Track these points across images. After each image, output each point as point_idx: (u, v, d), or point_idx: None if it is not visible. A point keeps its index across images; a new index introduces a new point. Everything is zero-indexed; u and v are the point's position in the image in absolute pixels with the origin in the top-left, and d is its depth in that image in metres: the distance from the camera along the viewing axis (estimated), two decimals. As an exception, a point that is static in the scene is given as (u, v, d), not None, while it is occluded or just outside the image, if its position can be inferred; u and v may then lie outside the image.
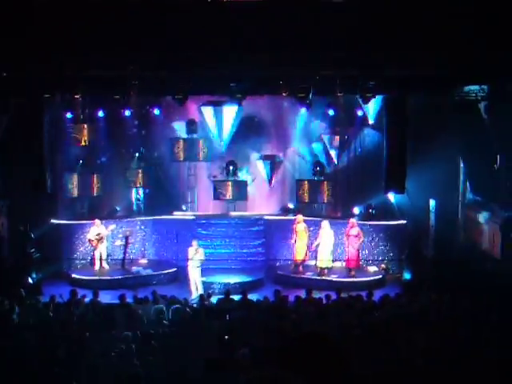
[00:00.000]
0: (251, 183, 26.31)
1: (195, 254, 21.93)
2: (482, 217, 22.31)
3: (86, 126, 24.85)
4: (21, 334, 13.79)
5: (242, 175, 26.15)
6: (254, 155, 26.38)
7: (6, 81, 19.26)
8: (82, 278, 23.36)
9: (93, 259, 24.41)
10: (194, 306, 17.83)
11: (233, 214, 25.83)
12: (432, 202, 24.00)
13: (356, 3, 18.33)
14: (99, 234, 24.04)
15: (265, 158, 26.32)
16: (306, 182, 25.55)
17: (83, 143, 25.03)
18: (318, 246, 23.52)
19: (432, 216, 24.07)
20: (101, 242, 24.13)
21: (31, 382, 11.27)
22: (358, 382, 4.13)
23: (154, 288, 19.40)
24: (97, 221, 24.26)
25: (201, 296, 18.83)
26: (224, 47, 18.20)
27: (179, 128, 26.39)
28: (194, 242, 22.34)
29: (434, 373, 11.33)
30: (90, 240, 24.24)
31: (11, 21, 17.75)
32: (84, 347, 12.89)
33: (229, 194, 25.77)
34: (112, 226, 24.37)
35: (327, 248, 23.50)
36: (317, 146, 25.97)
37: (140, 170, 26.09)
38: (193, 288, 21.84)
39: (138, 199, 26.76)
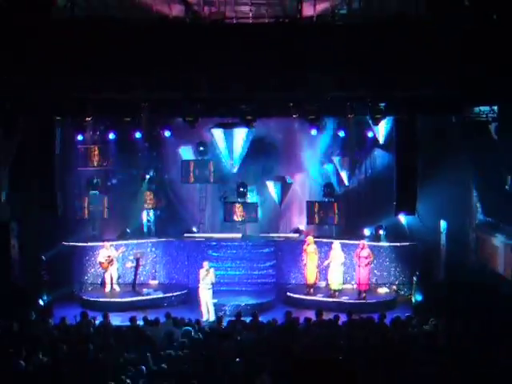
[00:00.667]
0: (260, 205, 26.34)
1: (206, 276, 21.91)
2: (495, 238, 22.20)
3: (96, 148, 24.95)
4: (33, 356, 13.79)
5: (253, 197, 26.14)
6: (265, 177, 26.40)
7: (17, 103, 19.34)
8: (93, 300, 23.35)
9: (103, 281, 24.42)
10: (206, 328, 17.77)
11: (243, 235, 25.79)
12: (443, 224, 23.92)
13: (367, 25, 18.36)
14: (109, 256, 24.07)
15: (275, 179, 26.33)
16: (317, 204, 25.54)
17: (94, 165, 25.11)
18: (327, 265, 23.51)
19: (443, 237, 23.98)
20: (111, 265, 24.16)
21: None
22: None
23: (167, 310, 19.32)
24: (106, 243, 24.30)
25: (218, 318, 18.74)
26: (233, 69, 18.26)
27: (189, 150, 26.47)
28: (205, 264, 22.32)
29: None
30: (100, 262, 24.26)
31: (22, 42, 17.85)
32: (94, 369, 12.86)
33: (239, 216, 25.78)
34: (122, 249, 24.39)
35: (338, 269, 23.47)
36: (327, 168, 25.98)
37: (151, 192, 26.15)
38: (204, 309, 21.80)
39: (148, 221, 26.81)
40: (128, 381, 12.00)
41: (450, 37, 17.67)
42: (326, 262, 23.57)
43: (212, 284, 21.91)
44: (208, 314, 21.47)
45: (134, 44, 17.99)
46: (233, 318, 18.61)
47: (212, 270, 22.18)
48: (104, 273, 24.37)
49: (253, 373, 12.13)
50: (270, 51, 17.95)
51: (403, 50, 17.84)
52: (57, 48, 17.80)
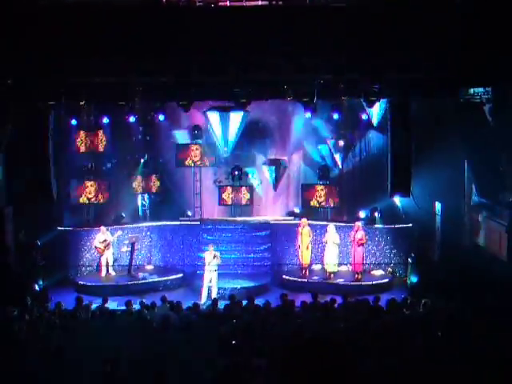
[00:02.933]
0: (258, 187, 26.35)
1: (213, 259, 22.04)
2: (488, 219, 22.27)
3: (90, 132, 24.90)
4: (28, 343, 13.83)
5: (247, 180, 26.15)
6: (259, 160, 26.40)
7: (9, 88, 19.28)
8: (89, 284, 23.39)
9: (99, 266, 24.45)
10: (203, 310, 17.82)
11: (238, 218, 25.80)
12: (438, 205, 23.97)
13: (358, 7, 18.33)
14: (105, 240, 24.10)
15: (270, 162, 26.32)
16: (312, 186, 25.56)
17: (88, 150, 25.07)
18: (323, 245, 23.68)
19: (438, 219, 24.04)
20: (107, 249, 24.19)
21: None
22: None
23: (163, 293, 19.36)
24: (102, 227, 24.31)
25: (213, 301, 18.81)
26: (228, 52, 18.23)
27: (184, 134, 26.45)
28: (211, 247, 22.42)
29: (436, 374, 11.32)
30: (96, 247, 24.29)
31: (13, 27, 17.79)
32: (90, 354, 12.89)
33: (233, 199, 25.81)
34: (118, 233, 24.41)
35: (333, 252, 23.55)
36: (322, 150, 25.98)
37: (145, 176, 26.14)
38: (204, 292, 21.89)
39: (143, 205, 26.80)
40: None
41: (443, 19, 17.66)
42: (324, 239, 23.67)
43: (217, 266, 22.09)
44: (207, 297, 21.53)
45: (126, 28, 17.94)
46: (228, 302, 18.66)
47: (218, 252, 22.30)
48: (100, 257, 24.39)
49: (248, 356, 12.17)
50: (264, 34, 17.92)
51: (397, 33, 17.83)
52: (48, 33, 17.75)
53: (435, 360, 12.47)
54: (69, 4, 18.77)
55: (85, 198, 25.23)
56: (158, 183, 26.46)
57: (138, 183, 26.16)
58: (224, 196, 25.93)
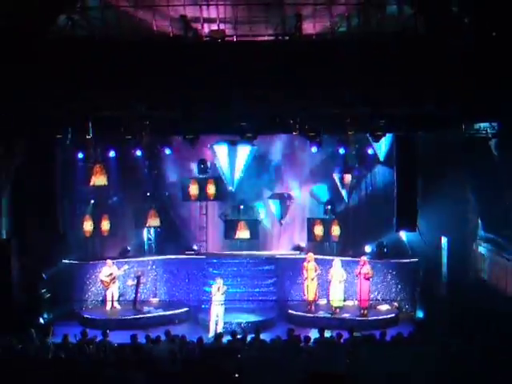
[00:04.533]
0: (264, 221, 26.33)
1: (218, 291, 22.03)
2: (494, 253, 22.19)
3: (97, 166, 24.94)
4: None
5: (253, 214, 26.10)
6: (265, 194, 26.39)
7: (17, 121, 19.36)
8: (94, 318, 23.32)
9: (104, 299, 24.40)
10: (208, 345, 17.75)
11: (244, 253, 25.75)
12: (444, 240, 23.92)
13: (364, 43, 18.44)
14: (111, 274, 24.09)
15: (276, 196, 26.31)
16: (318, 221, 25.53)
17: (94, 183, 25.09)
18: (328, 282, 23.60)
19: (444, 253, 23.96)
20: (113, 282, 24.18)
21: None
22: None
23: (167, 328, 19.28)
24: (108, 261, 24.31)
25: (216, 335, 18.77)
26: (234, 87, 18.31)
27: (190, 168, 26.45)
28: (219, 280, 22.41)
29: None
30: (101, 280, 24.26)
31: (21, 61, 17.91)
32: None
33: (240, 234, 25.76)
34: (125, 267, 24.40)
35: (339, 286, 23.49)
36: (328, 185, 25.96)
37: (151, 210, 26.13)
38: (212, 326, 21.84)
39: (149, 239, 26.78)
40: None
41: (449, 54, 17.74)
42: (330, 274, 23.61)
43: (224, 300, 22.08)
44: (215, 330, 21.44)
45: (133, 62, 18.06)
46: (232, 337, 18.59)
47: (225, 286, 22.29)
48: (105, 291, 24.35)
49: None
50: (270, 69, 18.00)
51: (403, 67, 17.90)
52: (56, 67, 17.85)
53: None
54: (77, 38, 18.92)
55: (90, 232, 25.20)
56: (163, 217, 26.37)
57: (143, 217, 26.12)
58: (230, 230, 25.83)
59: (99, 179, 25.01)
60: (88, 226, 25.12)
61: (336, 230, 25.22)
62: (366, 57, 17.98)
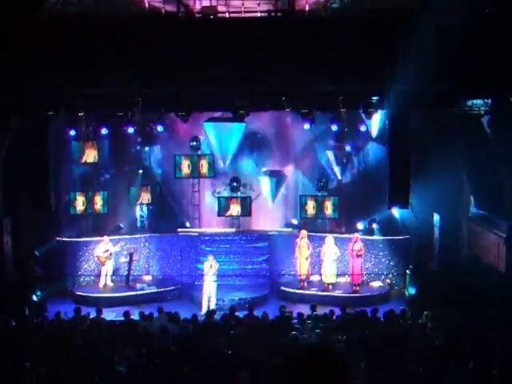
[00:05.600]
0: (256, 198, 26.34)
1: (210, 268, 22.07)
2: (486, 230, 22.26)
3: (89, 143, 24.88)
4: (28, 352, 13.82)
5: (246, 191, 26.11)
6: (258, 171, 26.38)
7: (8, 98, 19.28)
8: (87, 295, 23.37)
9: (98, 276, 24.43)
10: (201, 321, 17.82)
11: (237, 230, 25.79)
12: (436, 217, 23.98)
13: (357, 19, 18.38)
14: (107, 250, 24.11)
15: (268, 173, 26.31)
16: (310, 198, 25.55)
17: (87, 160, 25.04)
18: (321, 259, 23.68)
19: (436, 230, 24.04)
20: (108, 259, 24.20)
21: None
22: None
23: (160, 305, 19.35)
24: (105, 237, 24.36)
25: (208, 312, 18.87)
26: (226, 64, 18.25)
27: (183, 145, 26.39)
28: (210, 257, 22.47)
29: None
30: (97, 256, 24.30)
31: (13, 39, 17.80)
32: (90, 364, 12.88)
33: (233, 210, 25.76)
34: (121, 244, 24.43)
35: (331, 263, 23.55)
36: (320, 161, 25.95)
37: (144, 187, 26.11)
38: (204, 303, 21.90)
39: (142, 216, 26.78)
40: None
41: (442, 31, 17.68)
42: (322, 251, 23.70)
43: (216, 277, 22.11)
44: (208, 307, 21.51)
45: (125, 39, 17.96)
46: (226, 312, 18.68)
47: (217, 263, 22.34)
48: (100, 267, 24.39)
49: (241, 367, 12.18)
50: (262, 46, 17.94)
51: (395, 44, 17.84)
52: (48, 45, 17.75)
53: (435, 373, 12.48)
54: (68, 16, 18.83)
55: (83, 209, 25.18)
56: (155, 194, 26.36)
57: (137, 194, 26.12)
58: (223, 207, 25.84)
59: (91, 156, 24.94)
60: (80, 203, 25.08)
61: (329, 207, 25.22)
62: (358, 33, 17.90)
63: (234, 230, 25.81)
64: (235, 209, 25.66)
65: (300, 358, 4.17)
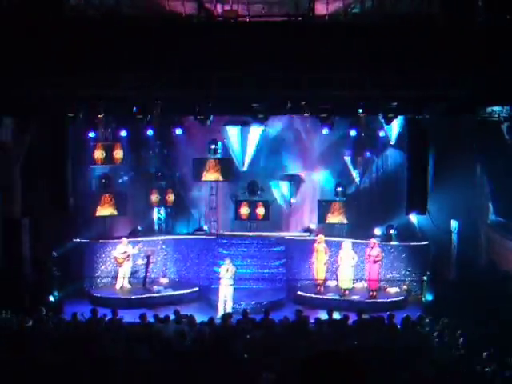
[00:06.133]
0: (275, 200, 26.33)
1: (227, 272, 22.07)
2: (504, 238, 22.16)
3: (108, 145, 24.97)
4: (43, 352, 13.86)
5: (264, 195, 26.09)
6: (276, 175, 26.38)
7: (27, 99, 19.38)
8: (103, 296, 23.42)
9: (116, 277, 24.47)
10: (218, 325, 17.82)
11: (254, 233, 25.76)
12: (454, 223, 23.89)
13: (378, 25, 18.34)
14: (125, 252, 24.15)
15: (287, 177, 26.31)
16: (328, 203, 25.52)
17: (105, 162, 25.12)
18: (338, 264, 23.64)
19: (454, 237, 23.95)
20: (126, 260, 24.23)
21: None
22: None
23: (177, 307, 19.35)
24: (124, 239, 24.39)
25: (223, 316, 18.88)
26: (247, 67, 18.26)
27: (201, 148, 26.42)
28: (227, 260, 22.46)
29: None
30: (115, 257, 24.34)
31: (34, 41, 17.89)
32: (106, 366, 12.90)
33: (250, 214, 25.75)
34: (139, 246, 24.47)
35: (348, 268, 23.50)
36: (339, 167, 25.93)
37: (162, 190, 26.16)
38: (220, 307, 21.90)
39: (159, 219, 26.84)
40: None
41: (462, 36, 17.63)
42: (339, 256, 23.65)
43: (233, 281, 22.13)
44: (224, 310, 21.51)
45: (146, 42, 18.00)
46: (242, 316, 18.68)
47: (233, 266, 22.33)
48: (118, 268, 24.44)
49: (258, 371, 12.17)
50: (283, 50, 17.94)
51: (416, 50, 17.80)
52: (70, 46, 17.81)
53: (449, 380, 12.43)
54: (90, 18, 18.90)
55: (101, 211, 25.27)
56: (173, 197, 26.44)
57: (155, 197, 26.21)
58: (241, 211, 25.86)
59: (109, 158, 25.02)
60: (98, 204, 25.15)
61: (345, 213, 25.18)
62: (379, 39, 17.88)
63: (251, 233, 25.78)
64: (253, 212, 25.63)
65: (317, 363, 4.17)
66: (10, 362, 13.04)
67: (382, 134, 24.01)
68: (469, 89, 18.55)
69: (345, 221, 25.43)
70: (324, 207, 25.51)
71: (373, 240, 23.69)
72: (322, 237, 24.10)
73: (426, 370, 12.74)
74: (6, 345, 14.52)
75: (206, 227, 26.61)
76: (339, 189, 25.41)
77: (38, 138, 21.84)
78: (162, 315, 18.10)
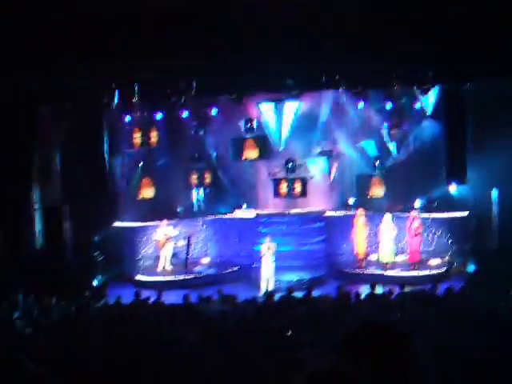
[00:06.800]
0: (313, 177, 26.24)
1: (268, 250, 22.11)
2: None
3: (144, 128, 25.03)
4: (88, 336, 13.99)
5: (301, 172, 26.01)
6: (313, 151, 26.26)
7: (64, 86, 19.50)
8: (146, 279, 23.59)
9: (157, 259, 24.62)
10: (260, 303, 17.86)
11: (293, 211, 25.73)
12: (495, 192, 23.65)
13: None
14: (166, 234, 24.28)
15: (323, 153, 26.18)
16: (366, 177, 25.40)
17: (142, 146, 25.19)
18: (379, 238, 23.57)
19: (495, 206, 23.71)
20: (167, 243, 24.36)
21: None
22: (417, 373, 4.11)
23: (219, 287, 19.42)
24: (164, 222, 24.53)
25: (267, 294, 18.91)
26: (280, 44, 18.19)
27: (238, 127, 26.37)
28: (267, 239, 22.51)
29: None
30: (156, 240, 24.49)
31: (70, 29, 17.96)
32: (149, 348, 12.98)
33: (289, 192, 25.71)
34: (179, 228, 24.60)
35: (389, 242, 23.41)
36: (376, 140, 25.75)
37: (200, 171, 26.20)
38: (263, 285, 21.97)
39: (198, 200, 26.89)
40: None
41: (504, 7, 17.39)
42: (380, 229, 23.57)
43: (274, 258, 22.20)
44: (266, 289, 21.57)
45: (179, 24, 18.00)
46: (284, 294, 18.68)
47: (274, 244, 22.37)
48: (159, 251, 24.58)
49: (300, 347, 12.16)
50: (315, 24, 17.84)
51: (451, 22, 17.61)
52: (102, 33, 17.88)
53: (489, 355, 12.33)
54: (120, 5, 18.93)
55: (141, 194, 25.39)
56: (211, 177, 26.44)
57: (193, 178, 26.24)
58: (279, 189, 25.81)
59: (147, 141, 25.08)
60: (138, 188, 25.29)
61: (385, 186, 25.06)
62: (411, 11, 17.70)
63: (290, 211, 25.74)
64: (291, 190, 25.59)
65: (360, 336, 4.16)
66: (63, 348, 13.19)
67: (417, 105, 23.79)
68: (504, 57, 18.34)
69: (383, 194, 25.25)
70: (363, 182, 25.38)
71: (413, 213, 23.55)
72: (361, 211, 24.02)
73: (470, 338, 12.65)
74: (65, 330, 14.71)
75: (245, 206, 26.62)
76: (377, 163, 25.25)
77: (75, 125, 21.96)
78: (204, 295, 18.18)
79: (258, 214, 25.76)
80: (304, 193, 25.77)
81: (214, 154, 26.79)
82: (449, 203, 24.27)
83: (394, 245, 23.61)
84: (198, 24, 17.99)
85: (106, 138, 20.94)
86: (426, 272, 23.11)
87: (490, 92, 21.69)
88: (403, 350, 4.13)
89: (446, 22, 17.53)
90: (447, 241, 24.49)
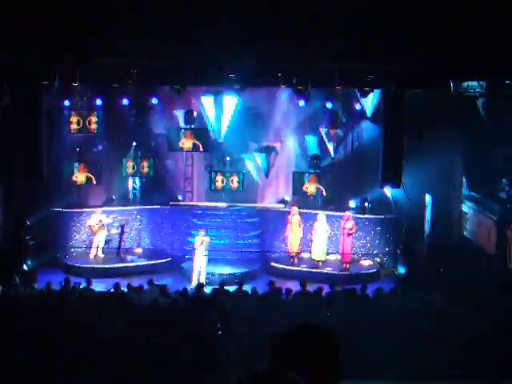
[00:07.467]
0: (249, 174, 26.29)
1: (201, 244, 22.07)
2: (478, 212, 22.33)
3: (83, 113, 24.75)
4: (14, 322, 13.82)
5: (239, 166, 26.05)
6: (251, 146, 26.31)
7: (4, 68, 19.20)
8: (77, 265, 23.38)
9: (90, 246, 24.42)
10: (191, 295, 17.86)
11: (229, 204, 25.75)
12: (428, 197, 24.01)
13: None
14: (100, 221, 24.10)
15: (262, 149, 26.25)
16: (303, 174, 25.51)
17: (80, 131, 24.91)
18: (312, 236, 23.73)
19: (428, 211, 24.08)
20: (101, 229, 24.17)
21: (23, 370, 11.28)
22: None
23: (150, 277, 19.36)
24: (99, 208, 24.39)
25: (198, 286, 18.92)
26: (224, 38, 18.17)
27: (177, 118, 26.28)
28: (202, 231, 22.46)
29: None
30: (90, 226, 24.28)
31: (11, 7, 17.70)
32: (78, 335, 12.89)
33: (225, 185, 25.70)
34: (113, 216, 24.44)
35: (322, 240, 23.58)
36: (314, 139, 25.91)
37: (137, 160, 26.03)
38: (195, 277, 21.92)
39: (134, 188, 26.74)
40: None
41: (439, 12, 17.64)
42: (314, 228, 23.71)
43: (207, 251, 22.13)
44: (198, 281, 21.54)
45: (123, 10, 17.88)
46: (216, 287, 18.72)
47: (208, 237, 22.33)
48: (92, 237, 24.38)
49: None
50: (259, 20, 17.87)
51: (393, 24, 17.80)
52: (45, 15, 17.65)
53: (422, 349, 12.54)
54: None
55: (75, 179, 25.10)
56: (148, 167, 26.28)
57: (129, 166, 26.05)
58: (215, 181, 25.77)
59: (84, 127, 24.79)
60: (73, 173, 25.02)
61: (321, 185, 25.20)
62: (357, 12, 17.85)
63: (225, 204, 25.76)
64: (227, 183, 25.58)
65: (289, 335, 4.19)
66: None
67: (358, 107, 24.00)
68: (445, 63, 18.61)
69: (321, 189, 25.36)
70: (298, 179, 25.50)
71: (347, 213, 23.76)
72: (295, 209, 24.15)
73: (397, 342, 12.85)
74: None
75: (180, 197, 26.55)
76: (314, 161, 25.39)
77: (12, 106, 21.61)
78: (135, 285, 18.12)
79: (192, 206, 25.74)
80: (240, 187, 25.77)
81: (152, 144, 26.66)
82: (383, 205, 24.57)
83: (326, 244, 23.79)
84: (147, 11, 17.89)
85: (43, 122, 20.64)
86: (357, 272, 23.36)
87: (426, 99, 21.99)
88: (327, 351, 4.17)
89: (391, 27, 17.73)
90: (379, 242, 24.77)
